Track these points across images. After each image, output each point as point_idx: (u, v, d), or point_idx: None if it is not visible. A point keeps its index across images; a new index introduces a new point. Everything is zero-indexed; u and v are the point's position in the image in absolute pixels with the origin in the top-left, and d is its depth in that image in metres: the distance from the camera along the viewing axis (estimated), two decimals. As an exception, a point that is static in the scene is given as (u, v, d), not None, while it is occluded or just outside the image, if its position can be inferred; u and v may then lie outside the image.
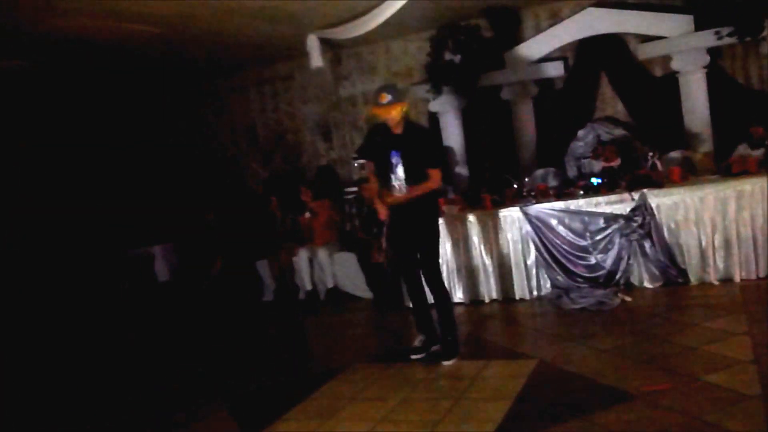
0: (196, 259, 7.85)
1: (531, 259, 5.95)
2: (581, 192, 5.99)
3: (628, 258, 5.65)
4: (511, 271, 6.00)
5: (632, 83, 7.67)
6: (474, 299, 6.11)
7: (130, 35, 6.68)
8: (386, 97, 4.40)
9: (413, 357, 4.67)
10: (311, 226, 7.59)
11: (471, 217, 6.05)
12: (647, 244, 5.57)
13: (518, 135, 7.97)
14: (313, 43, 7.40)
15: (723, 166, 5.93)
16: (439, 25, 7.83)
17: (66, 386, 5.35)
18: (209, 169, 10.26)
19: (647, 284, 5.64)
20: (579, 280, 5.76)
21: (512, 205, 6.07)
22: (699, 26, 6.80)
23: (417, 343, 4.76)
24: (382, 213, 4.61)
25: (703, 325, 4.46)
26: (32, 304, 6.71)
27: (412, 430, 3.51)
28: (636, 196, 5.58)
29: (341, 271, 7.22)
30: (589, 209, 5.78)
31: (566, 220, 5.82)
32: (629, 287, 5.65)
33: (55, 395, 5.17)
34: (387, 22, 6.70)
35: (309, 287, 7.35)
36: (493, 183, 7.11)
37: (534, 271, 5.96)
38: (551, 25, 7.76)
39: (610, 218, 5.67)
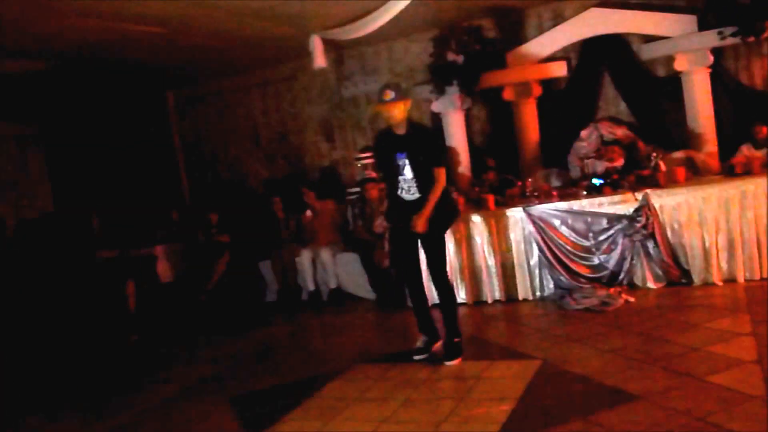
0: (199, 260, 7.85)
1: (534, 259, 5.94)
2: (584, 192, 5.99)
3: (632, 258, 5.64)
4: (513, 271, 5.99)
5: (635, 83, 7.65)
6: (477, 300, 6.11)
7: (132, 36, 6.69)
8: (390, 95, 4.41)
9: (416, 358, 4.68)
10: (314, 227, 7.59)
11: (474, 218, 6.05)
12: (650, 245, 5.57)
13: (521, 135, 7.96)
14: (315, 43, 7.40)
15: (726, 167, 5.93)
16: (442, 25, 7.82)
17: (67, 387, 5.35)
18: (211, 169, 10.29)
19: (650, 285, 5.63)
20: (582, 280, 5.76)
21: (515, 205, 6.07)
22: (702, 26, 6.79)
23: (419, 343, 4.77)
24: (380, 226, 4.64)
25: (707, 326, 4.45)
26: (33, 305, 6.71)
27: (415, 430, 3.51)
28: (639, 196, 5.57)
29: (344, 271, 7.22)
30: (592, 209, 5.77)
31: (569, 221, 5.82)
32: (632, 288, 5.64)
33: (56, 396, 5.18)
34: (390, 23, 6.70)
35: (312, 288, 7.35)
36: (495, 183, 7.11)
37: (537, 272, 5.95)
38: (554, 26, 7.75)
39: (613, 218, 5.67)
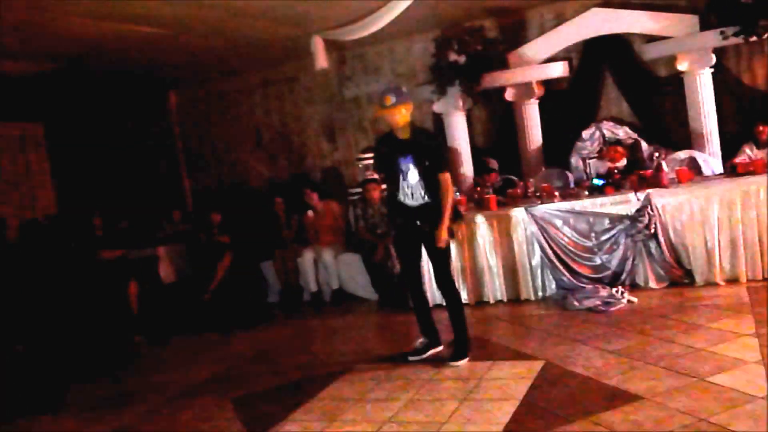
0: (201, 260, 7.86)
1: (536, 259, 5.94)
2: (586, 192, 5.99)
3: (634, 258, 5.64)
4: (516, 271, 5.99)
5: (637, 83, 7.66)
6: (479, 300, 6.11)
7: (134, 37, 6.70)
8: (390, 99, 4.38)
9: (410, 358, 4.67)
10: (316, 227, 7.60)
11: (476, 218, 6.05)
12: (653, 245, 5.57)
13: (523, 136, 7.97)
14: (317, 44, 7.42)
15: (729, 167, 5.92)
16: (443, 26, 7.83)
17: (70, 387, 5.35)
18: (213, 170, 10.30)
19: (653, 285, 5.63)
20: (584, 280, 5.75)
21: (517, 205, 6.07)
22: (704, 26, 6.79)
23: (417, 344, 4.76)
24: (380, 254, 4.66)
25: (709, 326, 4.45)
26: (34, 305, 6.72)
27: (417, 431, 3.51)
28: (641, 196, 5.57)
29: (346, 272, 7.22)
30: (595, 210, 5.77)
31: (571, 221, 5.82)
32: (634, 288, 5.64)
33: (57, 397, 5.18)
34: (391, 24, 6.71)
35: (314, 288, 7.36)
36: (497, 184, 7.11)
37: (539, 272, 5.95)
38: (556, 26, 7.75)
39: (616, 219, 5.67)
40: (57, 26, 6.03)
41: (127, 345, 6.53)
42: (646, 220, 5.52)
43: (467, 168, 8.10)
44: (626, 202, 5.64)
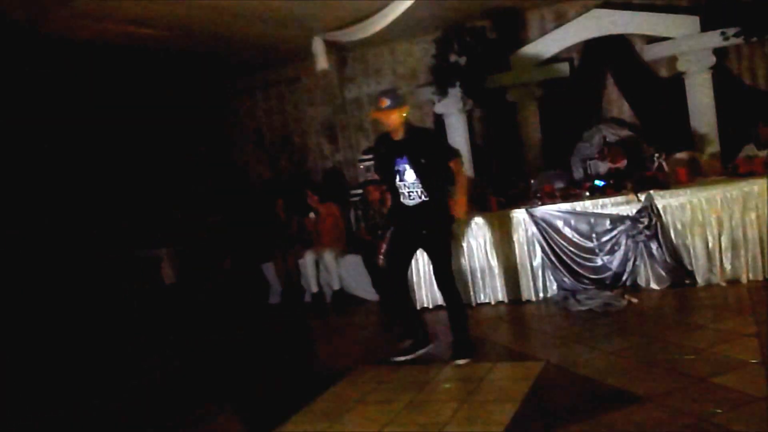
0: (202, 261, 7.88)
1: (537, 260, 5.94)
2: (587, 193, 5.99)
3: (635, 259, 5.64)
4: (517, 272, 5.99)
5: (638, 84, 7.66)
6: (480, 301, 6.11)
7: (135, 38, 6.71)
8: (386, 102, 4.42)
9: (397, 359, 4.65)
10: (317, 229, 7.60)
11: (476, 219, 6.05)
12: (654, 246, 5.56)
13: (524, 136, 7.97)
14: (318, 45, 7.42)
15: (730, 167, 5.92)
16: (445, 27, 7.84)
17: (69, 388, 5.36)
18: (215, 171, 10.30)
19: (654, 286, 5.62)
20: (585, 281, 5.76)
21: (518, 206, 6.07)
22: (705, 27, 6.79)
23: (403, 345, 4.74)
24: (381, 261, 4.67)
25: (711, 327, 4.45)
26: (35, 306, 6.74)
27: (419, 432, 3.51)
28: (642, 197, 5.57)
29: (347, 273, 7.22)
30: (595, 211, 5.77)
31: (572, 222, 5.82)
32: (636, 289, 5.64)
33: (59, 398, 5.19)
34: (392, 25, 6.71)
35: (315, 289, 7.36)
36: (498, 184, 7.11)
37: (540, 273, 5.95)
38: (557, 27, 7.76)
39: (617, 220, 5.67)
40: (58, 27, 6.03)
41: (127, 344, 6.53)
42: (647, 221, 5.52)
43: (468, 168, 8.09)
44: (627, 203, 5.64)
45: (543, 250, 5.88)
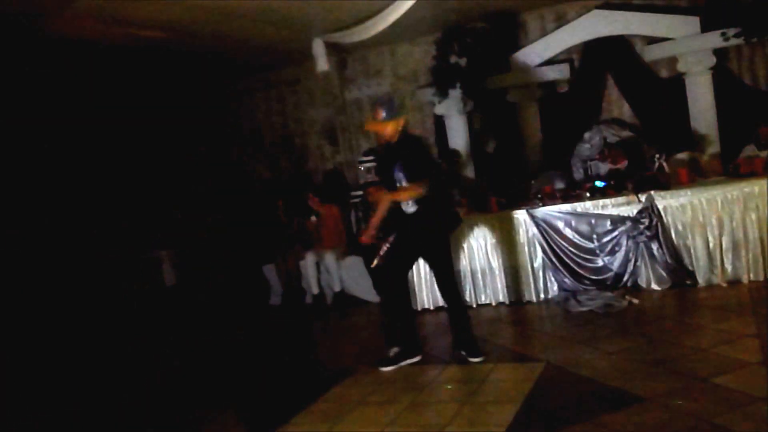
0: (203, 263, 7.88)
1: (538, 261, 5.94)
2: (588, 194, 5.99)
3: (636, 260, 5.64)
4: (518, 273, 5.99)
5: (638, 85, 7.65)
6: (481, 302, 6.11)
7: (136, 40, 6.71)
8: (381, 114, 4.44)
9: (384, 369, 4.59)
10: (318, 230, 7.60)
11: (477, 220, 6.05)
12: (654, 246, 5.56)
13: (524, 137, 7.96)
14: (319, 47, 7.42)
15: (730, 168, 5.92)
16: (445, 28, 7.83)
17: (71, 389, 5.36)
18: (215, 171, 10.30)
19: (655, 286, 5.62)
20: (586, 282, 5.76)
21: (518, 207, 6.07)
22: (705, 27, 6.79)
23: (389, 353, 4.70)
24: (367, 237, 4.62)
25: (712, 327, 4.45)
26: (36, 306, 6.75)
27: (420, 433, 3.51)
28: (643, 198, 5.57)
29: (348, 274, 7.22)
30: (596, 211, 5.77)
31: (573, 223, 5.82)
32: (637, 289, 5.64)
33: (60, 398, 5.19)
34: (393, 26, 6.70)
35: (316, 291, 7.35)
36: (499, 185, 7.11)
37: (541, 274, 5.95)
38: (557, 28, 7.75)
39: (617, 220, 5.67)
40: (58, 27, 6.03)
41: (128, 345, 6.53)
42: (647, 221, 5.52)
43: (468, 170, 8.09)
44: (628, 204, 5.64)
45: (544, 251, 5.88)
